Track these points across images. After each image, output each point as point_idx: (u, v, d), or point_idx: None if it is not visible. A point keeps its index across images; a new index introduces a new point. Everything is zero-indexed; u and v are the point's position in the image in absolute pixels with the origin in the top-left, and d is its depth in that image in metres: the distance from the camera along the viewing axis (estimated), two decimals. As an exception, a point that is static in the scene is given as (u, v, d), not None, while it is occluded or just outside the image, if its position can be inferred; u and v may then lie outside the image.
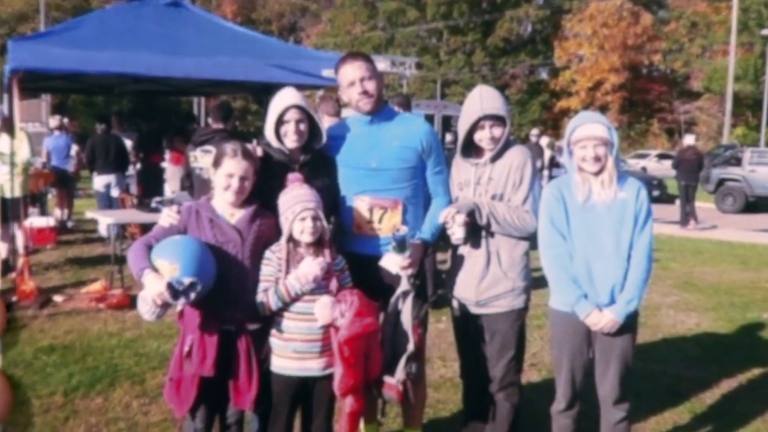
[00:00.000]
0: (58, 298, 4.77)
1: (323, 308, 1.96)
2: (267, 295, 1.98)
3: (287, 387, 2.03)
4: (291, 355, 2.01)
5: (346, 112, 3.28)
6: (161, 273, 1.84)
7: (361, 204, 2.21)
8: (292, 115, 2.14)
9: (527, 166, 2.26)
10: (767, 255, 7.60)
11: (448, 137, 10.17)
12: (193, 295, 1.82)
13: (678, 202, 10.52)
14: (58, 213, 8.16)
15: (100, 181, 7.31)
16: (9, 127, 5.17)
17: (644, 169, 19.59)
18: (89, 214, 5.98)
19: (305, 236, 2.00)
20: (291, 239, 2.01)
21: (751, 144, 19.67)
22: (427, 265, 2.58)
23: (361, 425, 2.47)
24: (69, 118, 10.49)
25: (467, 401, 2.48)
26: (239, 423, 2.13)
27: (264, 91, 7.53)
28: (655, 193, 13.20)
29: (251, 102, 26.57)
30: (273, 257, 2.01)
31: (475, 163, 2.28)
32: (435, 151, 2.28)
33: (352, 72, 2.21)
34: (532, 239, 2.27)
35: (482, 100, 2.23)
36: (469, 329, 2.33)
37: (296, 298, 1.98)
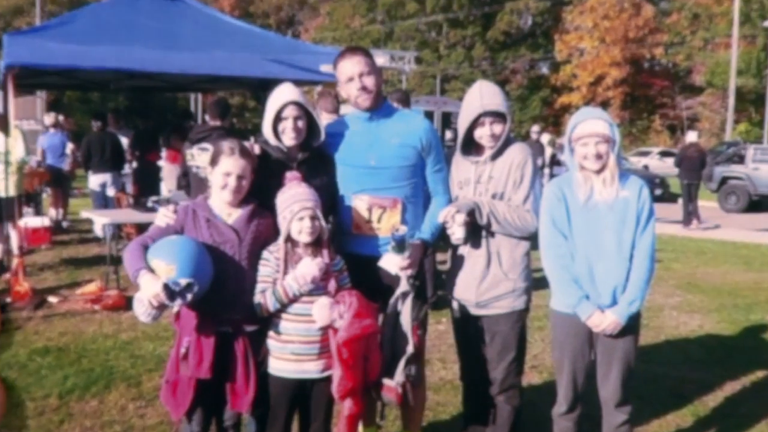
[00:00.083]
0: (53, 299, 4.75)
1: (321, 309, 1.95)
2: (264, 296, 1.97)
3: (285, 389, 2.01)
4: (289, 357, 1.99)
5: (344, 109, 3.25)
6: (157, 274, 1.82)
7: (359, 203, 2.19)
8: (290, 112, 2.11)
9: (528, 164, 2.24)
10: (771, 256, 7.58)
11: (448, 134, 10.15)
12: (189, 296, 1.80)
13: (681, 200, 10.47)
14: (53, 213, 8.10)
15: (95, 180, 7.26)
16: (3, 124, 5.12)
17: (646, 167, 19.43)
18: (84, 214, 5.96)
19: (303, 236, 1.98)
20: (289, 239, 1.99)
21: (754, 141, 19.52)
22: (427, 265, 2.58)
23: (360, 428, 2.44)
24: (64, 116, 10.41)
25: (467, 404, 2.47)
26: (236, 426, 2.11)
27: (261, 87, 7.49)
28: (658, 191, 13.07)
29: (249, 98, 26.52)
30: (271, 257, 2.00)
31: (475, 161, 2.26)
32: (435, 148, 2.26)
33: (350, 67, 2.18)
34: (533, 239, 2.25)
35: (482, 96, 2.21)
36: (469, 331, 2.32)
37: (294, 299, 1.96)
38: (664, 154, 22.84)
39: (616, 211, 2.09)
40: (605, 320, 2.08)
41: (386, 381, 2.05)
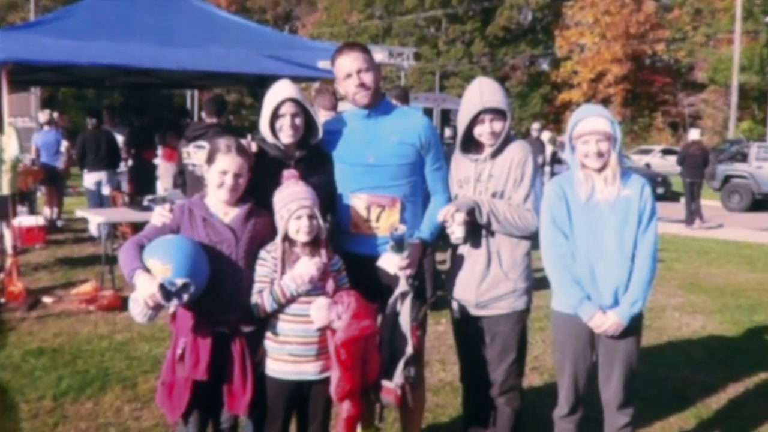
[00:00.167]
0: (47, 299, 4.72)
1: (319, 310, 1.93)
2: (262, 296, 1.95)
3: (282, 391, 2.00)
4: (286, 358, 1.97)
5: (342, 106, 3.22)
6: (153, 274, 1.81)
7: (358, 202, 2.17)
8: (288, 109, 2.09)
9: (528, 162, 2.22)
10: (775, 256, 7.54)
11: (447, 132, 10.12)
12: (186, 297, 1.78)
13: (683, 199, 10.42)
14: (47, 211, 8.05)
15: (90, 179, 7.20)
16: (-3, 122, 5.06)
17: (648, 165, 19.34)
18: (79, 213, 5.92)
19: (301, 235, 1.96)
20: (286, 238, 1.98)
21: (757, 138, 19.35)
22: (426, 265, 2.55)
23: (359, 430, 2.42)
24: (59, 113, 10.34)
25: (467, 406, 2.45)
26: (233, 428, 2.10)
27: (258, 84, 7.46)
28: (660, 190, 13.02)
29: (246, 95, 26.46)
30: (268, 257, 1.98)
31: (475, 159, 2.24)
32: (434, 146, 2.24)
33: (348, 63, 2.16)
34: (533, 238, 2.23)
35: (482, 93, 2.19)
36: (469, 331, 2.30)
37: (292, 300, 1.95)
38: (666, 152, 22.68)
39: (617, 210, 2.07)
40: (607, 321, 2.07)
41: (385, 383, 2.04)
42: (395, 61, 6.48)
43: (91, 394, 3.09)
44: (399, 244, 2.04)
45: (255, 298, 1.95)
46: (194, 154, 4.15)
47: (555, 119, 30.70)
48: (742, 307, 5.01)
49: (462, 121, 2.23)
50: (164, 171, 6.73)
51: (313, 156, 2.16)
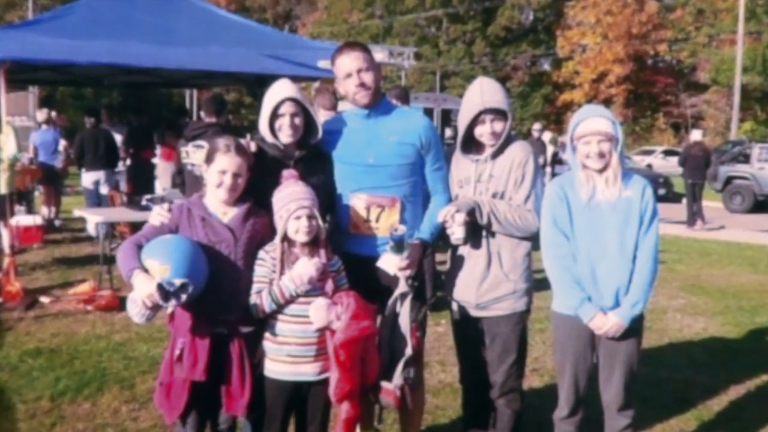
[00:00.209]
0: (44, 299, 4.71)
1: (318, 310, 1.92)
2: (261, 296, 1.94)
3: (281, 392, 1.99)
4: (285, 359, 1.97)
5: (342, 106, 3.21)
6: (151, 274, 1.80)
7: (357, 202, 2.16)
8: (287, 109, 2.08)
9: (529, 162, 2.21)
10: (777, 257, 7.53)
11: (448, 132, 10.12)
12: (184, 297, 1.77)
13: (685, 201, 10.39)
14: (45, 211, 8.03)
15: (88, 178, 7.19)
16: (-6, 121, 5.05)
17: (650, 166, 19.25)
18: (77, 213, 5.90)
19: (300, 236, 1.95)
20: (285, 239, 1.97)
21: (759, 140, 19.33)
22: (426, 266, 2.54)
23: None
24: (57, 112, 10.31)
25: (467, 407, 2.45)
26: (231, 429, 2.09)
27: (258, 83, 7.45)
28: (661, 191, 12.97)
29: (245, 95, 26.44)
30: (267, 257, 1.97)
31: (476, 160, 2.24)
32: (434, 146, 2.23)
33: (348, 63, 2.15)
34: (534, 239, 2.22)
35: (483, 93, 2.19)
36: (469, 333, 2.29)
37: (291, 300, 1.94)
38: (668, 153, 22.61)
39: (618, 211, 2.07)
40: (608, 322, 2.06)
41: (384, 384, 2.03)
42: (395, 60, 6.47)
43: (89, 394, 3.08)
44: (399, 245, 2.03)
45: (254, 299, 1.94)
46: (193, 153, 4.14)
47: (556, 120, 30.67)
48: (744, 309, 5.00)
49: (462, 122, 2.22)
50: (163, 170, 6.72)
51: (313, 156, 2.15)
